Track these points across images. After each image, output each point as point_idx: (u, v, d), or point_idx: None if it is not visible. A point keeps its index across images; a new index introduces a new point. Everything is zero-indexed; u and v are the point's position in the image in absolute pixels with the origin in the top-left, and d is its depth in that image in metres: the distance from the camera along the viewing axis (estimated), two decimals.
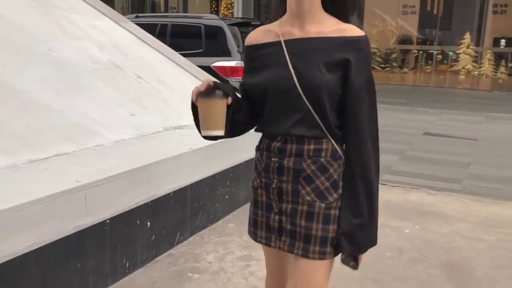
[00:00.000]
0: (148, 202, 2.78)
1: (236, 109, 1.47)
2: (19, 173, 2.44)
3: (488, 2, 17.80)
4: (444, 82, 18.09)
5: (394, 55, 19.43)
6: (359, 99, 1.43)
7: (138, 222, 2.72)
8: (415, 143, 7.14)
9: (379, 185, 1.53)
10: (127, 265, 2.68)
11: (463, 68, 17.89)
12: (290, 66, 1.43)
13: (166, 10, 23.69)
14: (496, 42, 18.11)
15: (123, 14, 7.24)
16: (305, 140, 1.46)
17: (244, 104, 1.53)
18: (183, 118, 3.87)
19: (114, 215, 2.54)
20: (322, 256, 1.47)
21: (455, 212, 3.90)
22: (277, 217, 1.53)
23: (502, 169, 5.67)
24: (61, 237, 2.23)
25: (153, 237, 2.87)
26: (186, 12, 21.95)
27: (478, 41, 18.12)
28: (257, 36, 1.57)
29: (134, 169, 2.70)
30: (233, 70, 6.79)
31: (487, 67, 17.66)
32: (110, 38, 4.57)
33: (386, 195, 4.21)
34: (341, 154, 1.48)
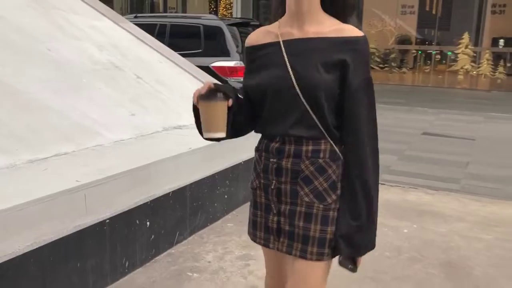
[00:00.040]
0: (147, 202, 2.79)
1: (237, 110, 1.47)
2: (19, 173, 2.44)
3: (486, 2, 17.82)
4: (443, 82, 18.11)
5: (393, 55, 19.45)
6: (357, 100, 1.42)
7: (137, 221, 2.73)
8: (414, 143, 7.16)
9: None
10: (126, 265, 2.69)
11: (462, 68, 17.91)
12: (288, 66, 1.44)
13: (165, 10, 23.69)
14: (494, 42, 18.13)
15: (122, 14, 7.25)
16: (304, 141, 1.47)
17: (246, 106, 1.53)
18: (182, 118, 3.88)
19: (114, 214, 2.55)
20: (320, 257, 1.47)
21: (454, 212, 3.92)
22: (275, 218, 1.53)
23: (500, 169, 5.69)
24: (61, 236, 2.24)
25: (153, 236, 2.88)
26: (185, 12, 21.94)
27: (476, 41, 18.15)
28: (257, 37, 1.57)
29: (134, 169, 2.71)
30: (232, 70, 6.80)
31: (485, 67, 17.69)
32: (109, 38, 4.58)
33: (385, 195, 4.22)
34: (340, 155, 1.48)
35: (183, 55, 5.34)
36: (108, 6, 5.35)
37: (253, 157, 1.63)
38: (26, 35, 3.72)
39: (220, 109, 1.41)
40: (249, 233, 1.66)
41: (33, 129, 2.86)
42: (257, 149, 1.60)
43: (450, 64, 18.58)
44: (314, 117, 1.44)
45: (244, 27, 7.51)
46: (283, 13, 1.52)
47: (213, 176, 3.42)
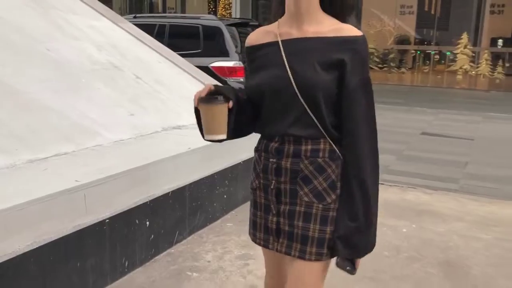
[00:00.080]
0: (147, 202, 2.80)
1: (239, 111, 1.47)
2: (19, 173, 2.45)
3: (485, 2, 17.83)
4: (442, 82, 18.12)
5: (392, 55, 19.45)
6: (355, 99, 1.42)
7: (137, 221, 2.74)
8: (413, 142, 7.17)
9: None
10: (126, 264, 2.70)
11: (461, 68, 17.92)
12: (287, 65, 1.44)
13: (164, 11, 23.68)
14: (493, 42, 18.14)
15: (121, 14, 7.25)
16: (303, 140, 1.47)
17: (248, 106, 1.53)
18: (182, 118, 3.88)
19: (113, 214, 2.56)
20: (318, 257, 1.47)
21: (452, 211, 3.93)
22: (275, 219, 1.53)
23: (499, 169, 5.70)
24: (60, 236, 2.24)
25: (152, 236, 2.88)
26: (184, 13, 21.94)
27: (475, 41, 18.16)
28: (256, 37, 1.58)
29: (133, 168, 2.72)
30: (231, 71, 6.81)
31: (484, 67, 17.70)
32: (108, 38, 4.58)
33: (384, 195, 4.21)
34: (340, 154, 1.47)
35: (182, 55, 5.35)
36: (107, 6, 5.36)
37: (253, 157, 1.63)
38: (25, 35, 3.72)
39: (220, 111, 1.42)
40: (249, 233, 1.66)
41: (33, 129, 2.87)
42: (256, 149, 1.60)
43: (449, 64, 18.59)
44: (312, 116, 1.43)
45: (243, 27, 7.52)
46: (283, 13, 1.52)
47: (212, 176, 3.43)
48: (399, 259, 3.04)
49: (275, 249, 1.55)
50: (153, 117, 3.75)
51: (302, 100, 1.42)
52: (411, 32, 19.59)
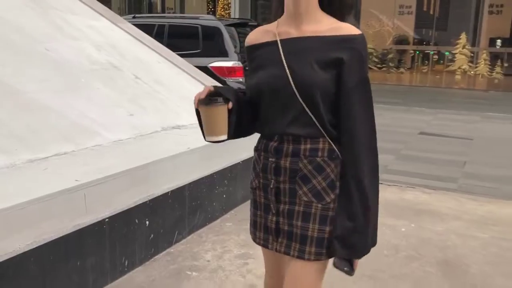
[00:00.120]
0: (146, 201, 2.81)
1: (239, 111, 1.48)
2: (19, 173, 2.46)
3: (484, 2, 17.86)
4: (440, 82, 18.14)
5: (390, 55, 19.47)
6: (352, 99, 1.41)
7: (136, 221, 2.75)
8: (411, 142, 7.18)
9: None
10: (126, 264, 2.71)
11: (459, 68, 17.95)
12: (285, 64, 1.44)
13: (163, 11, 23.67)
14: (492, 42, 18.16)
15: (120, 14, 7.25)
16: (301, 139, 1.47)
17: (249, 106, 1.54)
18: (181, 118, 3.89)
19: (113, 214, 2.57)
20: (318, 257, 1.47)
21: (451, 211, 3.94)
22: (274, 218, 1.53)
23: (497, 168, 5.72)
24: (61, 235, 2.25)
25: (152, 236, 2.89)
26: (183, 13, 21.93)
27: (474, 41, 18.18)
28: (256, 36, 1.58)
29: (133, 168, 2.72)
30: (230, 71, 6.82)
31: (482, 67, 17.73)
32: (107, 38, 4.59)
33: (382, 194, 4.19)
34: (339, 154, 1.47)
35: (182, 56, 5.36)
36: (106, 6, 5.36)
37: (252, 157, 1.63)
38: (24, 35, 3.73)
39: (220, 112, 1.43)
40: (250, 233, 1.66)
41: (33, 129, 2.88)
42: (256, 149, 1.60)
43: (447, 64, 18.61)
44: (311, 115, 1.43)
45: (242, 27, 7.54)
46: (283, 12, 1.52)
47: (211, 176, 3.44)
48: (398, 258, 3.05)
49: (274, 249, 1.55)
50: (152, 117, 3.76)
51: (300, 99, 1.42)
52: (410, 32, 19.61)
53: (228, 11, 21.10)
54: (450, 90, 16.35)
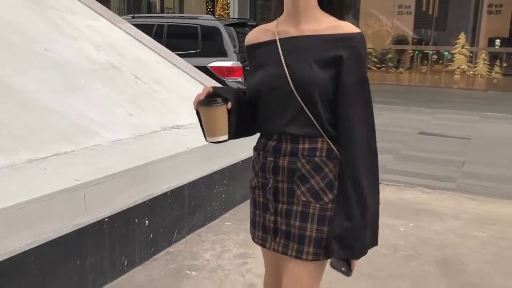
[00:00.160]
0: (146, 201, 2.81)
1: (239, 111, 1.48)
2: (19, 172, 2.46)
3: (483, 2, 17.87)
4: (439, 82, 18.16)
5: (389, 55, 19.48)
6: (351, 98, 1.40)
7: (136, 220, 2.75)
8: (410, 142, 7.20)
9: None
10: (125, 263, 2.71)
11: (458, 68, 17.96)
12: (284, 63, 1.44)
13: (162, 11, 23.67)
14: (491, 42, 18.18)
15: (119, 14, 7.26)
16: (300, 139, 1.46)
17: (249, 105, 1.54)
18: (180, 118, 3.90)
19: (113, 213, 2.57)
20: (316, 257, 1.46)
21: (449, 210, 3.95)
22: (272, 218, 1.53)
23: (496, 168, 5.73)
24: (60, 235, 2.26)
25: (151, 235, 2.90)
26: (182, 13, 21.94)
27: (473, 41, 18.19)
28: (255, 35, 1.58)
29: (132, 168, 2.73)
30: (229, 70, 6.83)
31: (481, 67, 17.74)
32: (106, 38, 4.60)
33: (382, 194, 4.18)
34: (338, 154, 1.45)
35: (181, 56, 5.37)
36: (105, 6, 5.37)
37: (251, 157, 1.63)
38: (24, 35, 3.73)
39: (219, 113, 1.43)
40: (250, 232, 1.66)
41: (32, 129, 2.88)
42: (255, 148, 1.60)
43: (446, 64, 18.62)
44: (309, 114, 1.43)
45: (241, 27, 7.55)
46: (282, 12, 1.52)
47: (211, 175, 3.44)
48: (397, 257, 3.06)
49: (272, 248, 1.55)
50: (152, 117, 3.76)
51: (298, 98, 1.42)
52: (409, 32, 19.62)
53: (227, 11, 21.11)
54: (449, 90, 16.38)
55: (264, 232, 1.57)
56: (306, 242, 1.46)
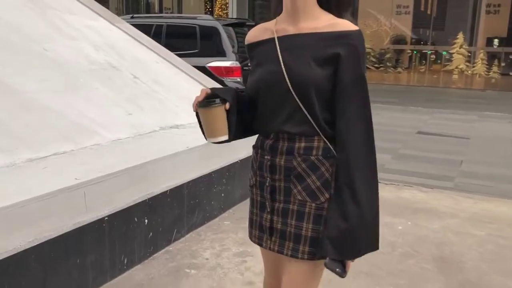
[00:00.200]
0: (145, 200, 2.83)
1: (239, 110, 1.49)
2: (19, 172, 2.48)
3: (481, 2, 17.92)
4: (438, 82, 18.21)
5: (388, 55, 19.53)
6: (348, 96, 1.38)
7: (135, 219, 2.77)
8: (409, 141, 7.22)
9: None
10: (125, 262, 2.73)
11: (456, 67, 18.02)
12: (281, 61, 1.44)
13: (160, 11, 23.68)
14: (489, 42, 18.23)
15: (118, 14, 7.26)
16: (296, 137, 1.46)
17: (250, 104, 1.54)
18: (179, 117, 3.92)
19: (113, 212, 2.59)
20: (311, 256, 1.45)
21: (447, 209, 3.97)
22: (269, 217, 1.53)
23: (494, 167, 5.76)
24: (61, 233, 2.27)
25: (151, 234, 2.92)
26: (181, 13, 21.94)
27: (471, 41, 18.25)
28: (255, 34, 1.59)
29: (132, 167, 2.74)
30: (228, 70, 6.84)
31: (480, 66, 17.80)
32: (105, 38, 4.61)
33: (380, 193, 4.22)
34: (335, 153, 1.44)
35: (180, 55, 5.38)
36: (103, 6, 5.38)
37: (250, 156, 1.64)
38: (23, 35, 3.74)
39: (218, 113, 1.44)
40: (248, 231, 1.66)
41: (32, 129, 2.90)
42: (254, 147, 1.61)
43: (445, 64, 18.68)
44: (306, 112, 1.42)
45: (239, 27, 7.56)
46: (282, 10, 1.52)
47: (210, 175, 3.46)
48: (395, 255, 3.08)
49: (268, 247, 1.55)
50: (151, 117, 3.78)
51: (295, 96, 1.41)
52: (407, 32, 19.67)
53: (225, 11, 21.13)
54: (447, 90, 16.42)
55: (260, 231, 1.57)
56: (302, 241, 1.46)
